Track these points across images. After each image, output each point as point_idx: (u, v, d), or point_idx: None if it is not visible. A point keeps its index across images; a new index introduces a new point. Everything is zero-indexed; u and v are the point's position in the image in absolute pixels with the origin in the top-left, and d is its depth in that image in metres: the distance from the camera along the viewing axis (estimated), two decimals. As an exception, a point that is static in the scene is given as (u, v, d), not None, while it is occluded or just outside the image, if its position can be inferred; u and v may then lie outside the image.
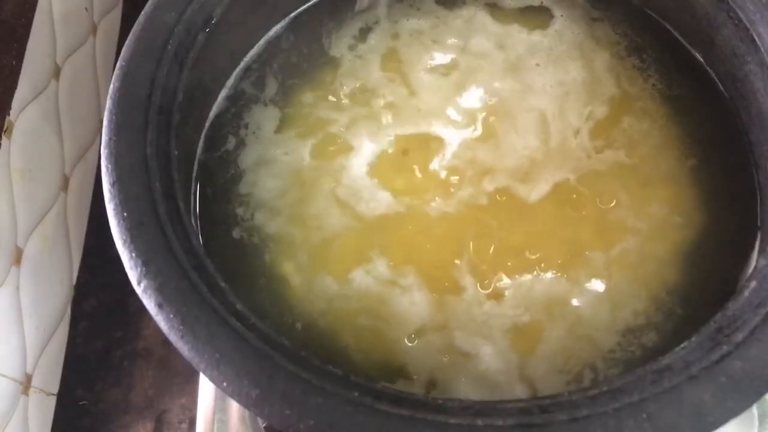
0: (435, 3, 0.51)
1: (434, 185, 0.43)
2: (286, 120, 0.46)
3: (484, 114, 0.46)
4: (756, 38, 0.41)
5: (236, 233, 0.43)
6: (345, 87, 0.47)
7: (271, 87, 0.47)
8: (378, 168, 0.44)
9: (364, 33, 0.50)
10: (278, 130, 0.46)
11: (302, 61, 0.49)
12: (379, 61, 0.48)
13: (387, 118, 0.46)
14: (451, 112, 0.46)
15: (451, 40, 0.49)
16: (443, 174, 0.44)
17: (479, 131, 0.45)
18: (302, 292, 0.41)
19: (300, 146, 0.45)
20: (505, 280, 0.40)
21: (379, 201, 0.43)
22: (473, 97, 0.47)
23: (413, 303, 0.40)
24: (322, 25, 0.50)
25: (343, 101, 0.47)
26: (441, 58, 0.49)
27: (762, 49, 0.40)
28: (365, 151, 0.45)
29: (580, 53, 0.48)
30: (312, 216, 0.43)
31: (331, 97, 0.47)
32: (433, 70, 0.48)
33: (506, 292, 0.40)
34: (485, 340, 0.39)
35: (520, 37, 0.49)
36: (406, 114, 0.46)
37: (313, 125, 0.46)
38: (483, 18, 0.50)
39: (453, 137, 0.45)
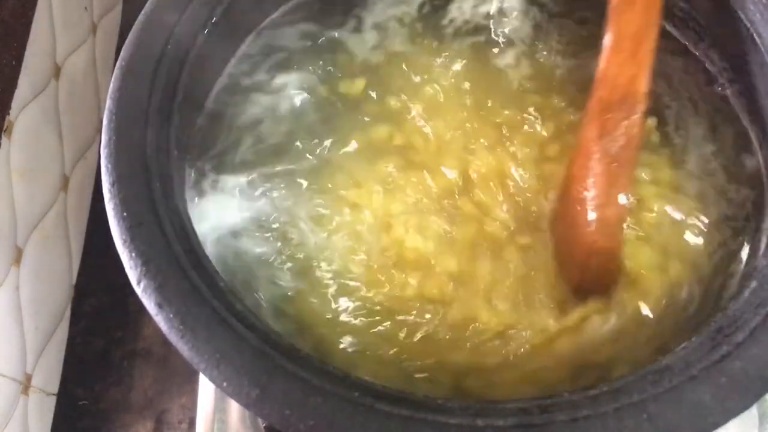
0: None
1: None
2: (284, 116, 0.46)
3: None
4: (756, 38, 0.41)
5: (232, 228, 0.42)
6: (347, 85, 0.47)
7: (271, 86, 0.47)
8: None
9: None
10: (276, 129, 0.46)
11: (305, 58, 0.48)
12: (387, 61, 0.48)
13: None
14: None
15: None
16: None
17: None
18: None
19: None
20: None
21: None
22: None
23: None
24: (323, 22, 0.50)
25: (345, 98, 0.47)
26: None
27: (762, 49, 0.40)
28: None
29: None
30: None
31: (334, 95, 0.47)
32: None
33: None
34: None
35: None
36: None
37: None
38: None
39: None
